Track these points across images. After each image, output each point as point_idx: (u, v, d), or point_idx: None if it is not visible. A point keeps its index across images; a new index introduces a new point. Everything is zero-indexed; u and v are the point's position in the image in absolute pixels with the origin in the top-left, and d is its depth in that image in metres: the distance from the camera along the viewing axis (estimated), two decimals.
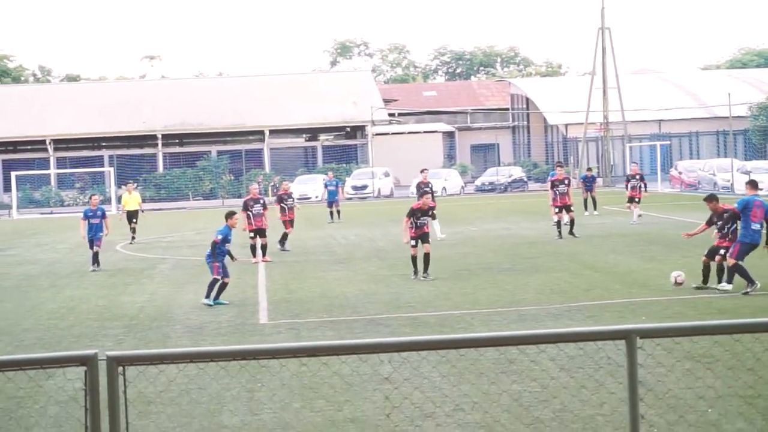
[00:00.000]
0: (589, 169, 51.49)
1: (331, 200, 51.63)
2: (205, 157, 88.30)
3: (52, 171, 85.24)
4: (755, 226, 22.63)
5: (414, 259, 27.17)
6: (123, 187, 48.30)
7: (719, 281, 22.56)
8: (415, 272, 27.13)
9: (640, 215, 42.93)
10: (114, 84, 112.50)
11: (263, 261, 32.77)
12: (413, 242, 27.18)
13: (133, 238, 42.57)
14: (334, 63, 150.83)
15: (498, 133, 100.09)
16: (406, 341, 7.81)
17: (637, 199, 43.22)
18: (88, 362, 7.33)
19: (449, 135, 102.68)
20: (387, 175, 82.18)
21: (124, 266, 33.93)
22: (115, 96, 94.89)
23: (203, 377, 14.24)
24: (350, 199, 76.00)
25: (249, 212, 33.42)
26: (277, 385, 14.48)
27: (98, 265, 32.69)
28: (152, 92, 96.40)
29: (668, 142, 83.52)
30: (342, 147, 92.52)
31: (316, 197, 75.44)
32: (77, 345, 19.35)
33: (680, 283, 23.36)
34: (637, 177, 43.84)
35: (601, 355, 14.25)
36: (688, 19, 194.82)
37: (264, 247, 33.40)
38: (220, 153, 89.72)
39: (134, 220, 42.99)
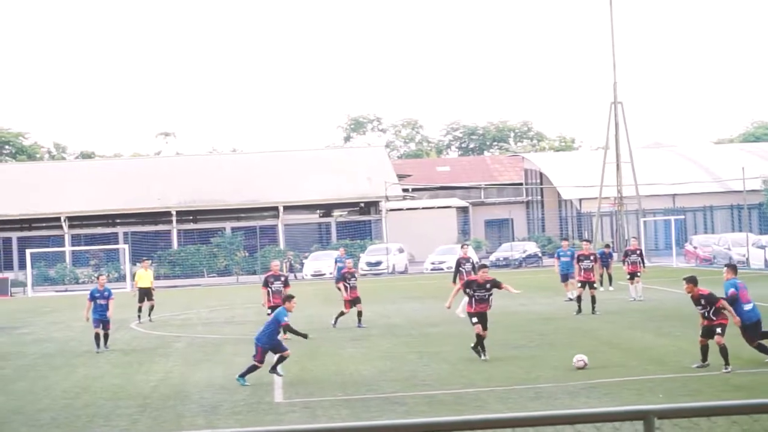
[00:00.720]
0: (607, 246, 51.39)
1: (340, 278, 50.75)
2: (219, 234, 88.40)
3: (67, 248, 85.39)
4: (747, 306, 23.11)
5: (480, 338, 25.96)
6: (138, 264, 47.76)
7: (725, 363, 22.18)
8: (483, 352, 25.78)
9: (640, 297, 41.87)
10: (128, 161, 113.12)
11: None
12: (474, 319, 26.16)
13: (150, 316, 41.81)
14: (347, 138, 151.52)
15: (512, 208, 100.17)
16: (423, 423, 7.78)
17: (638, 274, 42.74)
18: None
19: (463, 210, 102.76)
20: (401, 251, 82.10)
21: (138, 344, 33.89)
22: (130, 173, 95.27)
23: None
24: (365, 275, 75.92)
25: (269, 288, 33.37)
26: None
27: (106, 346, 32.11)
28: (166, 169, 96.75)
29: (683, 217, 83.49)
30: (356, 223, 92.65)
31: (331, 273, 75.35)
32: (92, 425, 19.32)
33: (581, 368, 23.52)
34: (637, 252, 43.35)
35: None
36: (701, 93, 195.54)
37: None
38: (234, 229, 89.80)
39: (151, 299, 41.95)
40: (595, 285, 38.24)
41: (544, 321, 35.21)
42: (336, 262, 53.74)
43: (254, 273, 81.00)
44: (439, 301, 42.98)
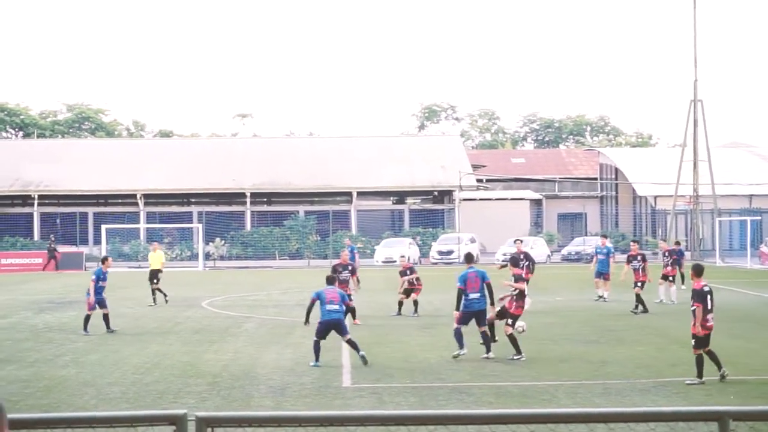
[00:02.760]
0: (677, 243, 50.68)
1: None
2: (292, 217, 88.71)
3: (142, 225, 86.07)
4: (473, 295, 24.90)
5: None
6: (151, 246, 47.32)
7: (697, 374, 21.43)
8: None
9: (670, 301, 40.33)
10: (206, 141, 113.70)
11: (354, 323, 32.77)
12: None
13: (155, 299, 41.46)
14: (421, 127, 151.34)
15: (586, 202, 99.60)
16: (497, 414, 7.76)
17: (671, 278, 41.35)
18: (177, 422, 7.37)
19: (536, 202, 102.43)
20: (473, 240, 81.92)
21: (208, 324, 34.12)
22: (206, 153, 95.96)
23: None
24: (436, 263, 75.92)
25: (336, 277, 33.47)
26: None
27: (110, 328, 31.89)
28: (243, 150, 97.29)
29: (759, 218, 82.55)
30: (429, 211, 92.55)
31: (394, 261, 75.42)
32: (161, 401, 19.47)
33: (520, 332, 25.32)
34: (667, 254, 42.44)
35: None
36: None
37: (353, 311, 33.32)
38: (307, 213, 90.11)
39: (155, 281, 41.71)
40: (638, 284, 37.59)
41: (615, 317, 34.99)
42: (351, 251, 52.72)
43: (325, 257, 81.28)
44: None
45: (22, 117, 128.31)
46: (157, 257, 42.95)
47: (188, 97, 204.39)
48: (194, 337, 30.28)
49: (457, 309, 25.12)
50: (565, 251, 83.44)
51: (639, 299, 36.79)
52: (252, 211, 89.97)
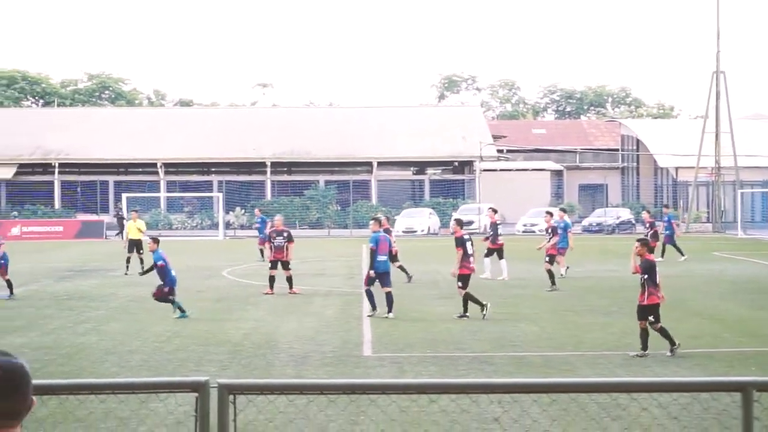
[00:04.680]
0: (666, 206, 49.20)
1: (263, 238, 46.10)
2: (312, 187, 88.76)
3: (162, 194, 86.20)
4: (381, 258, 27.44)
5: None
6: (129, 216, 46.90)
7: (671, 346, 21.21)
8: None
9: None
10: (226, 110, 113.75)
11: (290, 293, 32.98)
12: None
13: (143, 268, 41.21)
14: (441, 97, 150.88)
15: (607, 173, 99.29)
16: (518, 383, 7.74)
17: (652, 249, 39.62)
18: (199, 389, 7.37)
19: (557, 173, 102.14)
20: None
21: (229, 293, 34.18)
22: (227, 122, 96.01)
23: (311, 408, 14.18)
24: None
25: (272, 243, 33.95)
26: (383, 419, 14.38)
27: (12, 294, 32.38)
28: (263, 120, 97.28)
29: None
30: (449, 181, 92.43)
31: (422, 231, 75.92)
32: (182, 369, 19.50)
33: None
34: (648, 225, 41.17)
35: (711, 405, 13.95)
36: None
37: (290, 280, 33.71)
38: (327, 183, 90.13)
39: (141, 251, 41.84)
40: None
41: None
42: (256, 222, 52.30)
43: (346, 227, 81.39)
44: (529, 263, 42.83)
45: (43, 86, 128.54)
46: (134, 227, 42.99)
47: (208, 67, 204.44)
48: (215, 306, 30.36)
49: (371, 268, 27.41)
50: (585, 222, 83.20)
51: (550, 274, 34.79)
52: (272, 181, 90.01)
